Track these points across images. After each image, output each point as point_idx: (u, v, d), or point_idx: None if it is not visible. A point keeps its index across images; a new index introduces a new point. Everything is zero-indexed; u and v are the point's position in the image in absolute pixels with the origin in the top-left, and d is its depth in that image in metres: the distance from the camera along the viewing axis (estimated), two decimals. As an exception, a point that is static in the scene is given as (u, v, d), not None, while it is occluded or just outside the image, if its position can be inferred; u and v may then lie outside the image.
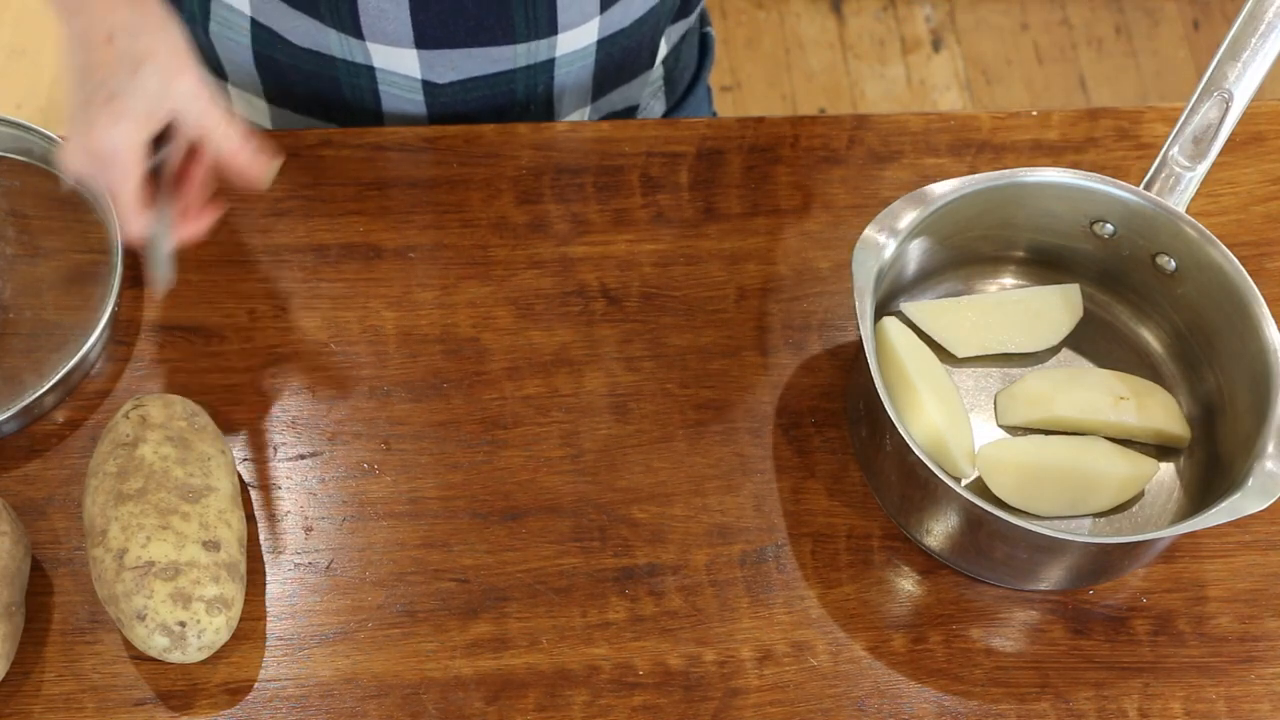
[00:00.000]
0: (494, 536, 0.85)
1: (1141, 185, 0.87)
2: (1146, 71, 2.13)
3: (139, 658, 0.81)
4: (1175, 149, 0.87)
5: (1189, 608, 0.85)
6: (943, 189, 0.86)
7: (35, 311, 0.90)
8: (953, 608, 0.85)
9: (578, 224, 0.95)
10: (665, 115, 1.15)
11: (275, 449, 0.88)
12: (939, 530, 0.84)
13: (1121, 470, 0.85)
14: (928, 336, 0.91)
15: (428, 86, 0.99)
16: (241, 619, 0.81)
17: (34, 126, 0.93)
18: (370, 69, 0.98)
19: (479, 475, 0.87)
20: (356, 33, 0.95)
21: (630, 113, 1.11)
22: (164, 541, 0.78)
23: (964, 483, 0.86)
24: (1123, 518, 0.87)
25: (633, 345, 0.92)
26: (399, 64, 0.97)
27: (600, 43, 0.99)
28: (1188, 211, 0.86)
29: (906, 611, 0.85)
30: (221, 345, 0.90)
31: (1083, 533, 0.86)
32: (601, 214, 0.96)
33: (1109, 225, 0.89)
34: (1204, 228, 0.86)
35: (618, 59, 1.02)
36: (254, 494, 0.86)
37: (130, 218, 0.79)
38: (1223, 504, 0.78)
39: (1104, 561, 0.83)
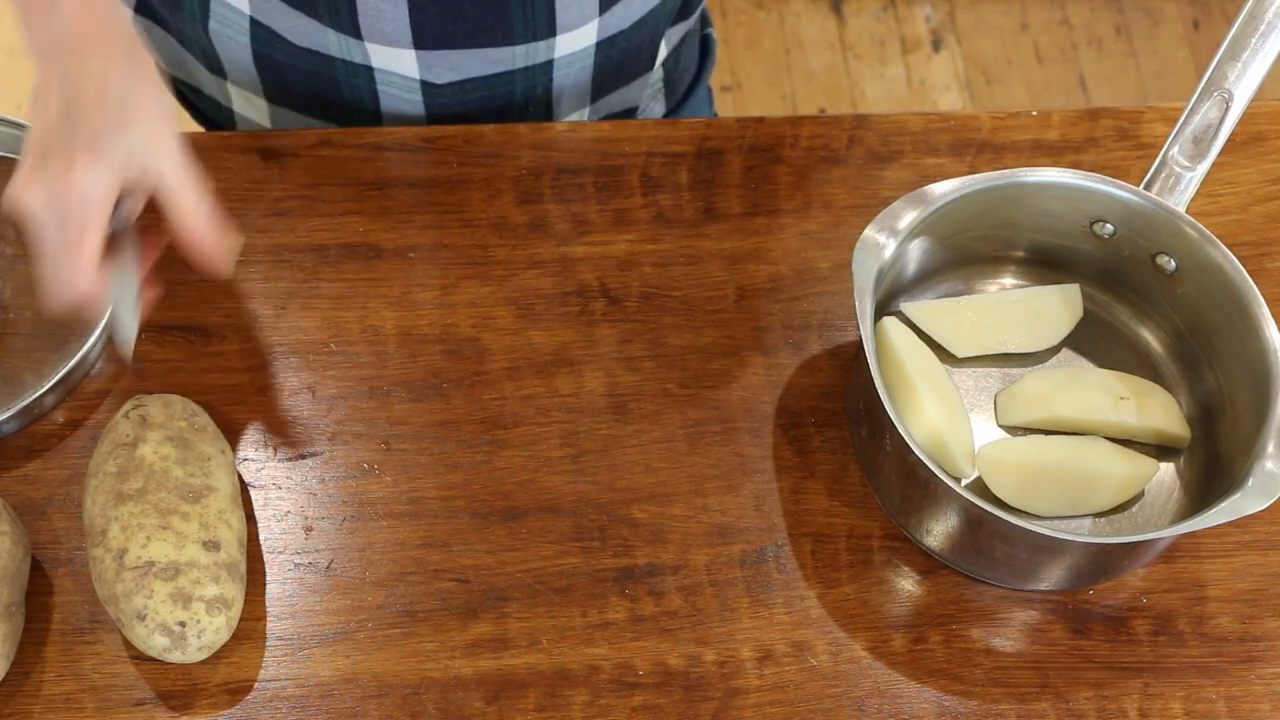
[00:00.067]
0: (494, 536, 0.85)
1: (1141, 185, 0.87)
2: (1146, 71, 2.13)
3: (139, 658, 0.81)
4: (1175, 149, 0.87)
5: (1189, 608, 0.85)
6: (943, 189, 0.86)
7: (35, 311, 0.90)
8: (953, 608, 0.85)
9: (578, 224, 0.95)
10: (665, 117, 1.15)
11: (275, 449, 0.88)
12: (939, 530, 0.84)
13: (1121, 470, 0.85)
14: (928, 336, 0.91)
15: (426, 87, 0.99)
16: (241, 619, 0.81)
17: (34, 126, 0.93)
18: (369, 69, 0.98)
19: (479, 475, 0.87)
20: (355, 33, 0.95)
21: (630, 114, 1.11)
22: (164, 541, 0.78)
23: (964, 483, 0.86)
24: (1123, 518, 0.87)
25: (633, 345, 0.92)
26: (397, 64, 0.97)
27: (599, 44, 0.99)
28: (1188, 211, 0.86)
29: (906, 611, 0.85)
30: (221, 345, 0.90)
31: (1083, 533, 0.86)
32: (601, 214, 0.96)
33: (1109, 225, 0.89)
34: (1204, 228, 0.86)
35: (617, 61, 1.02)
36: (254, 494, 0.86)
37: (85, 271, 0.75)
38: (1223, 504, 0.78)
39: (1104, 561, 0.83)
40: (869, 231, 0.85)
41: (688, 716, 0.81)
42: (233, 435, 0.87)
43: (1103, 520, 0.87)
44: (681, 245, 0.95)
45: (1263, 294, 0.83)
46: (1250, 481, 0.78)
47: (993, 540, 0.81)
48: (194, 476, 0.81)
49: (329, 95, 1.01)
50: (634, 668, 0.82)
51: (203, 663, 0.81)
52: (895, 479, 0.85)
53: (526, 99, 1.01)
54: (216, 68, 1.03)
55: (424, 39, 0.95)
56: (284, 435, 0.88)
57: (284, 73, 1.00)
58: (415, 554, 0.85)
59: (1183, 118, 0.86)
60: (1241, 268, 0.84)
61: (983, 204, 0.88)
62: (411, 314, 0.92)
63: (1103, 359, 0.92)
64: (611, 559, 0.85)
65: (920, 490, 0.82)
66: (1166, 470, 0.88)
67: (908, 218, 0.85)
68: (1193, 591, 0.86)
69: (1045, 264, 0.93)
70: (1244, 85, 0.85)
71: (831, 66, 2.11)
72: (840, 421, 0.90)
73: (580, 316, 0.92)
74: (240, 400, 0.89)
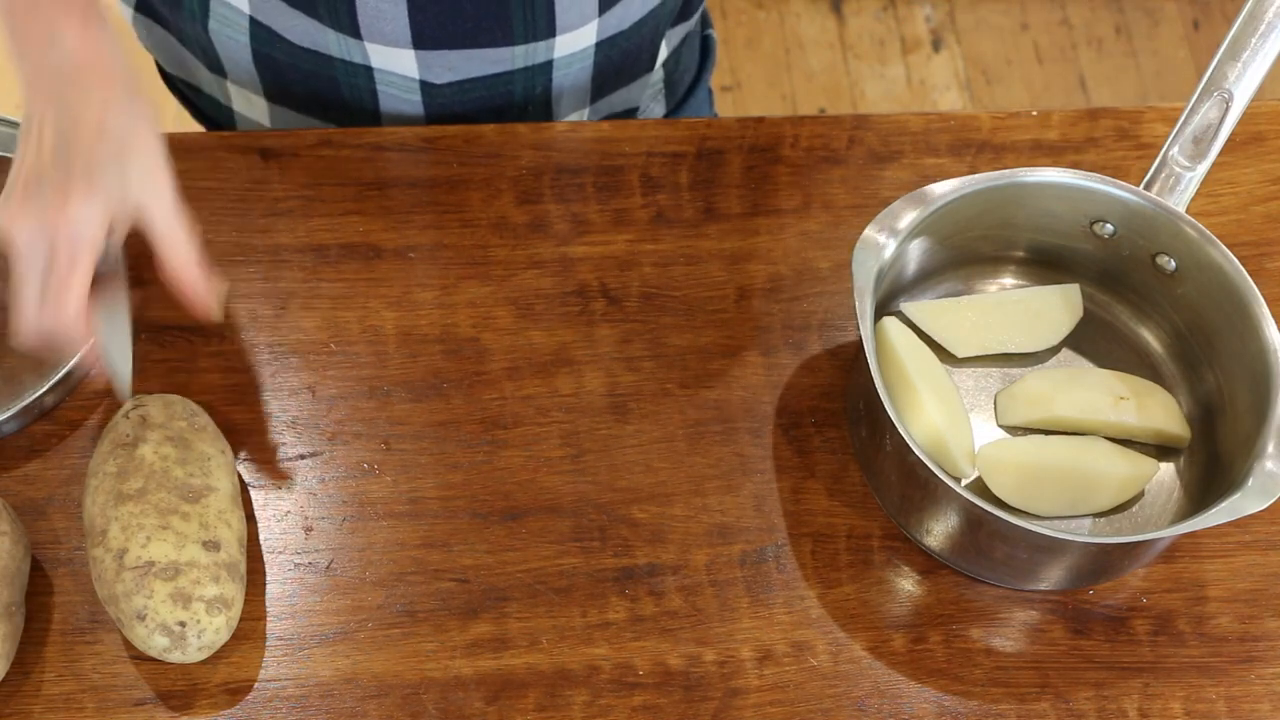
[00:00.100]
0: (494, 536, 0.85)
1: (1141, 185, 0.87)
2: (1146, 71, 2.13)
3: (139, 658, 0.81)
4: (1175, 149, 0.87)
5: (1189, 608, 0.85)
6: (943, 189, 0.86)
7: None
8: (953, 608, 0.85)
9: (578, 224, 0.95)
10: (665, 118, 1.15)
11: (275, 449, 0.87)
12: (939, 530, 0.84)
13: (1121, 470, 0.85)
14: (928, 336, 0.91)
15: (425, 87, 0.99)
16: (241, 619, 0.81)
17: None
18: (368, 69, 0.98)
19: (479, 475, 0.87)
20: (354, 33, 0.95)
21: (630, 115, 1.11)
22: (164, 541, 0.78)
23: (964, 483, 0.86)
24: (1123, 518, 0.87)
25: (633, 345, 0.92)
26: (396, 64, 0.97)
27: (599, 45, 0.99)
28: (1188, 211, 0.86)
29: (906, 611, 0.85)
30: (221, 345, 0.90)
31: (1083, 533, 0.86)
32: (601, 214, 0.96)
33: (1109, 225, 0.89)
34: (1204, 228, 0.86)
35: (617, 61, 1.02)
36: (254, 494, 0.86)
37: (72, 306, 0.74)
38: (1223, 504, 0.78)
39: (1104, 561, 0.83)
40: (869, 231, 0.85)
41: (688, 716, 0.81)
42: (233, 435, 0.87)
43: (1103, 520, 0.87)
44: (681, 245, 0.95)
45: (1263, 294, 0.83)
46: (1250, 481, 0.78)
47: (993, 540, 0.81)
48: (194, 476, 0.81)
49: (328, 95, 1.01)
50: (634, 668, 0.82)
51: (203, 663, 0.81)
52: (895, 479, 0.85)
53: (526, 99, 1.01)
54: (216, 67, 1.03)
55: (423, 39, 0.95)
56: (284, 435, 0.88)
57: (283, 72, 1.00)
58: (415, 554, 0.85)
59: (1183, 118, 0.86)
60: (1241, 268, 0.84)
61: (983, 204, 0.88)
62: (411, 314, 0.92)
63: (1103, 359, 0.92)
64: (611, 559, 0.85)
65: (920, 490, 0.82)
66: (1166, 470, 0.88)
67: (908, 218, 0.85)
68: (1193, 591, 0.86)
69: (1045, 264, 0.93)
70: (1244, 85, 0.85)
71: (831, 66, 2.11)
72: (840, 421, 0.90)
73: (580, 316, 0.92)
74: (240, 400, 0.89)
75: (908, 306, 0.91)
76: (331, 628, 0.83)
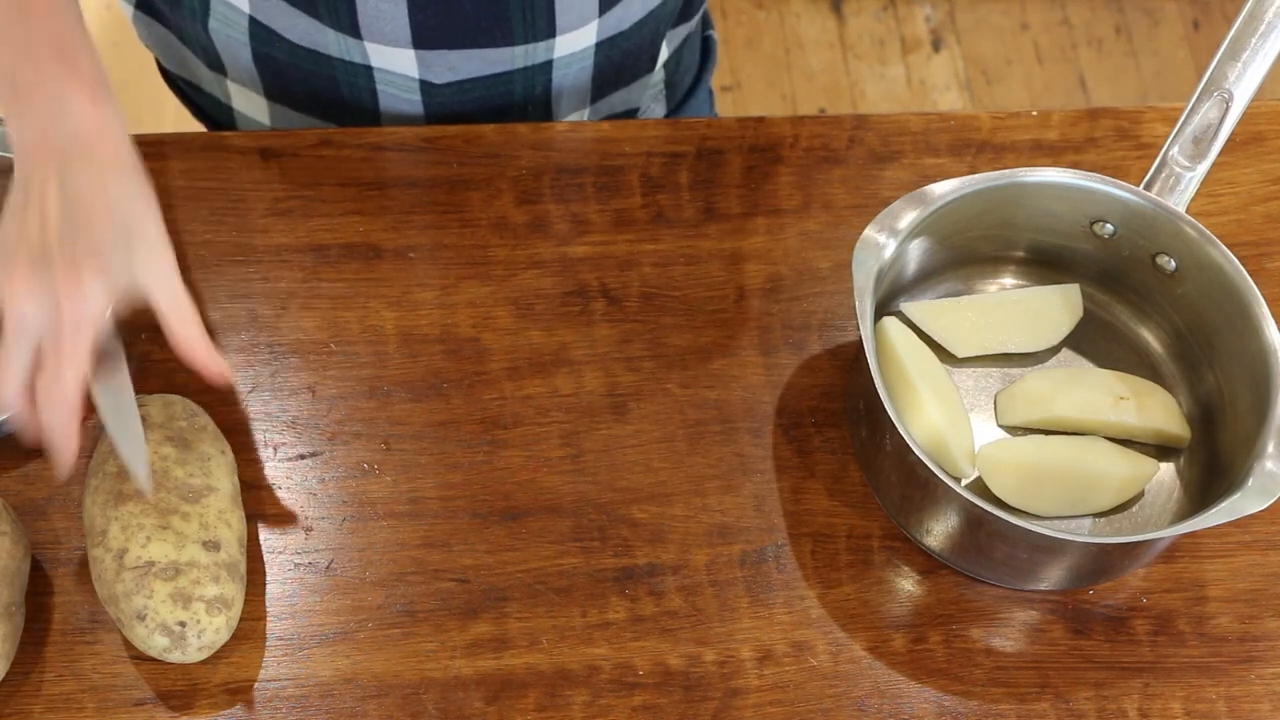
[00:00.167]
0: (494, 536, 0.85)
1: (1141, 185, 0.87)
2: (1146, 71, 2.13)
3: (139, 658, 0.81)
4: (1175, 149, 0.87)
5: (1189, 608, 0.85)
6: (943, 189, 0.86)
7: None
8: (953, 608, 0.85)
9: (578, 224, 0.95)
10: (665, 118, 1.15)
11: (275, 449, 0.88)
12: (939, 530, 0.84)
13: (1121, 470, 0.85)
14: (928, 336, 0.91)
15: (425, 86, 0.99)
16: (241, 619, 0.81)
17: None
18: (368, 68, 0.98)
19: (479, 475, 0.87)
20: (354, 32, 0.95)
21: (630, 115, 1.11)
22: (164, 541, 0.78)
23: (964, 483, 0.86)
24: (1123, 518, 0.87)
25: (633, 345, 0.92)
26: (396, 64, 0.97)
27: (599, 45, 0.99)
28: (1188, 211, 0.86)
29: (906, 611, 0.85)
30: (221, 345, 0.90)
31: (1083, 533, 0.86)
32: (601, 214, 0.96)
33: (1109, 225, 0.89)
34: (1204, 228, 0.86)
35: (617, 61, 1.02)
36: (254, 494, 0.86)
37: (71, 381, 0.73)
38: (1223, 504, 0.78)
39: (1104, 561, 0.83)
40: (869, 231, 0.85)
41: (688, 716, 0.81)
42: (233, 435, 0.87)
43: (1103, 520, 0.87)
44: (681, 245, 0.95)
45: (1263, 294, 0.83)
46: (1250, 481, 0.78)
47: (993, 540, 0.81)
48: (194, 476, 0.81)
49: (328, 94, 1.01)
50: (634, 668, 0.82)
51: (203, 663, 0.81)
52: (895, 479, 0.85)
53: (526, 99, 1.01)
54: (216, 65, 1.03)
55: (423, 39, 0.95)
56: (284, 435, 0.88)
57: (283, 71, 1.00)
58: (415, 554, 0.85)
59: (1183, 118, 0.86)
60: (1241, 268, 0.84)
61: (983, 204, 0.88)
62: (411, 314, 0.92)
63: (1103, 359, 0.92)
64: (611, 559, 0.85)
65: (920, 490, 0.82)
66: (1166, 470, 0.88)
67: (908, 218, 0.85)
68: (1193, 591, 0.86)
69: (1045, 264, 0.93)
70: (1244, 85, 0.85)
71: (831, 66, 2.11)
72: (840, 421, 0.90)
73: (580, 316, 0.92)
74: (240, 400, 0.89)
75: (908, 306, 0.91)
76: (331, 628, 0.83)
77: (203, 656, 0.79)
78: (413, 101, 1.00)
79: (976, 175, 0.87)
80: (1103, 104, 2.10)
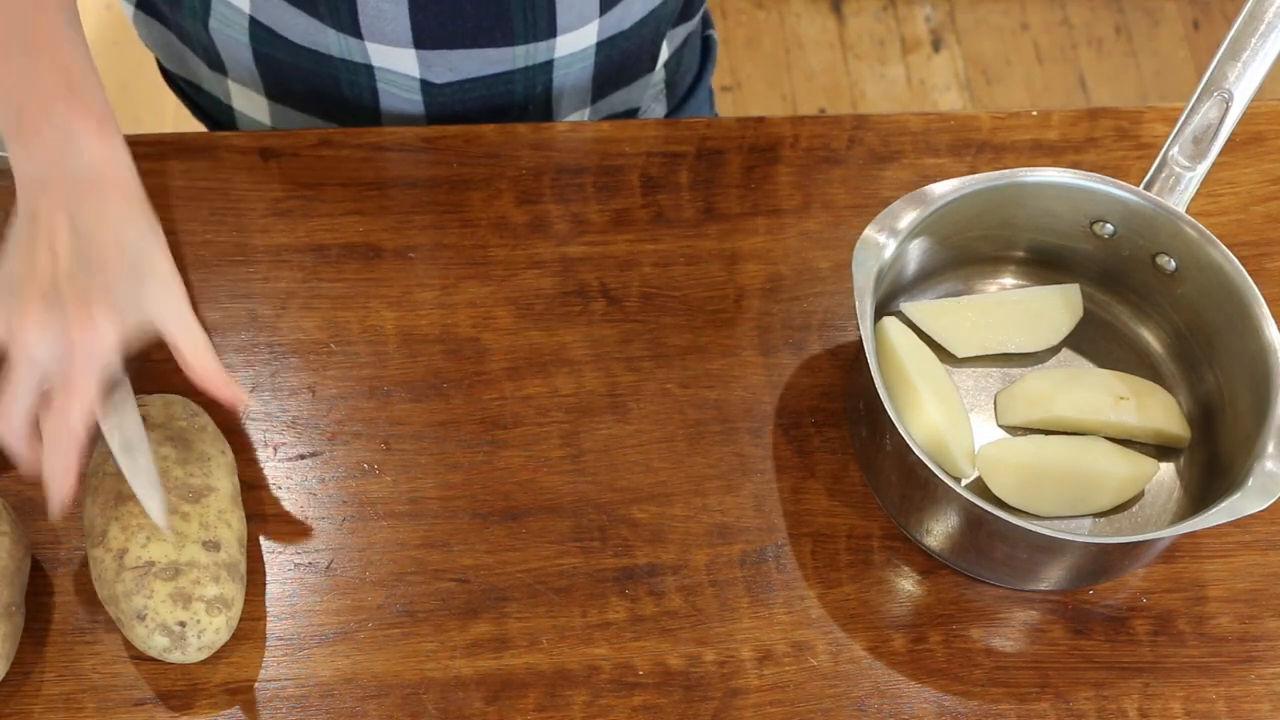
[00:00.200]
0: (494, 536, 0.85)
1: (1141, 185, 0.87)
2: (1146, 71, 2.13)
3: (139, 658, 0.81)
4: (1175, 149, 0.87)
5: (1189, 608, 0.85)
6: (943, 189, 0.86)
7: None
8: (953, 608, 0.85)
9: (578, 224, 0.95)
10: (666, 118, 1.15)
11: (275, 449, 0.88)
12: (939, 530, 0.84)
13: (1121, 470, 0.85)
14: (928, 336, 0.91)
15: (426, 86, 0.99)
16: (241, 619, 0.81)
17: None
18: (369, 67, 0.98)
19: (479, 475, 0.87)
20: (355, 32, 0.95)
21: (631, 115, 1.11)
22: (164, 541, 0.78)
23: (964, 483, 0.86)
24: (1123, 518, 0.87)
25: (633, 345, 0.92)
26: (397, 63, 0.97)
27: (600, 45, 0.99)
28: (1188, 211, 0.86)
29: (906, 611, 0.85)
30: (221, 345, 0.90)
31: (1083, 533, 0.86)
32: (601, 214, 0.96)
33: (1109, 225, 0.89)
34: (1204, 228, 0.86)
35: (617, 61, 1.02)
36: (254, 494, 0.86)
37: (78, 417, 0.73)
38: (1223, 504, 0.78)
39: (1104, 561, 0.83)
40: (869, 231, 0.85)
41: (688, 716, 0.81)
42: (233, 435, 0.87)
43: (1103, 520, 0.87)
44: (681, 245, 0.95)
45: (1263, 294, 0.83)
46: (1250, 481, 0.78)
47: (993, 540, 0.81)
48: (194, 476, 0.81)
49: (329, 93, 1.01)
50: (634, 668, 0.82)
51: (203, 663, 0.81)
52: (895, 479, 0.85)
53: (526, 99, 1.01)
54: (217, 65, 1.03)
55: (424, 39, 0.95)
56: (284, 435, 0.88)
57: (284, 71, 1.00)
58: (415, 554, 0.85)
59: (1183, 118, 0.86)
60: (1241, 268, 0.84)
61: (983, 204, 0.88)
62: (411, 314, 0.92)
63: (1103, 359, 0.92)
64: (611, 559, 0.85)
65: (920, 490, 0.83)
66: (1166, 470, 0.88)
67: (908, 218, 0.85)
68: (1193, 591, 0.86)
69: (1045, 264, 0.93)
70: (1244, 85, 0.85)
71: (831, 66, 2.11)
72: (840, 421, 0.90)
73: (580, 316, 0.92)
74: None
75: (908, 306, 0.91)
76: (331, 628, 0.83)
77: (203, 656, 0.79)
78: (413, 101, 1.00)
79: (976, 175, 0.87)
80: (1103, 104, 2.10)
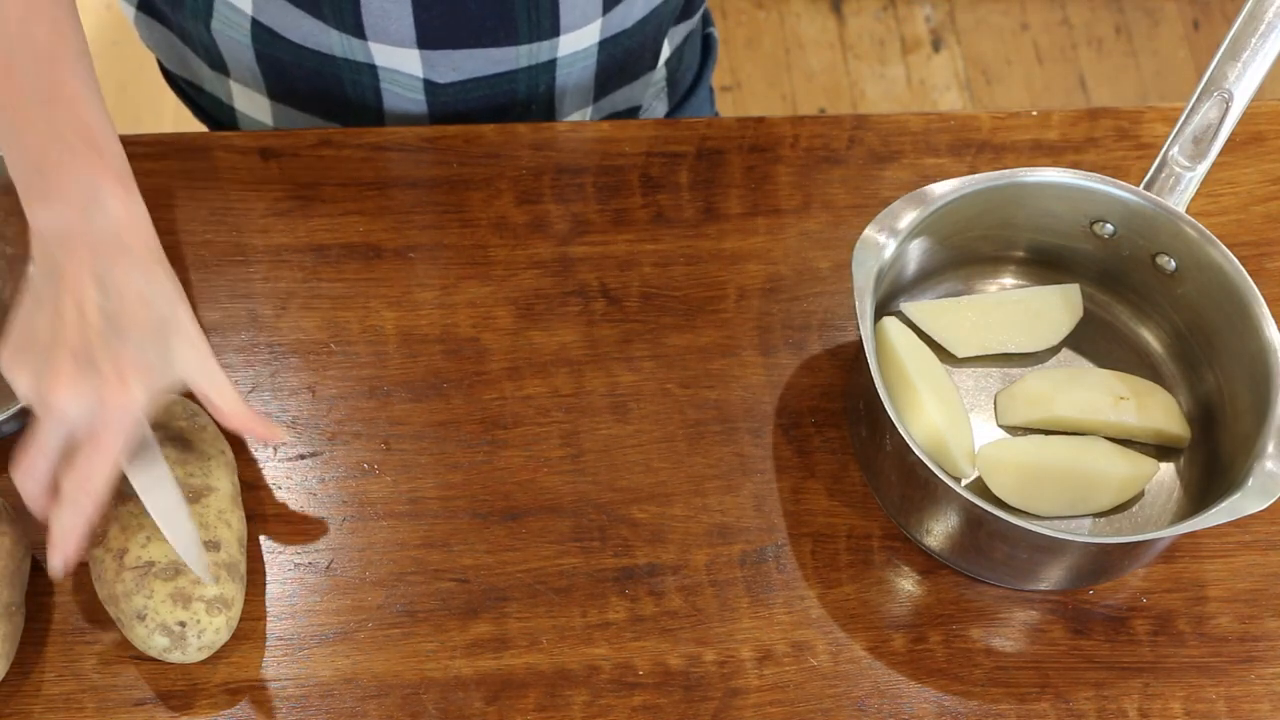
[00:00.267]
0: (494, 536, 0.85)
1: (1141, 185, 0.87)
2: (1146, 71, 2.13)
3: (139, 658, 0.81)
4: (1175, 149, 0.87)
5: (1189, 608, 0.85)
6: (943, 189, 0.86)
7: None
8: (953, 608, 0.85)
9: (578, 224, 0.95)
10: (667, 116, 1.15)
11: (275, 449, 0.88)
12: (939, 530, 0.84)
13: (1121, 470, 0.85)
14: (928, 336, 0.91)
15: (429, 86, 0.99)
16: (241, 619, 0.81)
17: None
18: (372, 68, 0.98)
19: (479, 475, 0.87)
20: (359, 33, 0.95)
21: (632, 113, 1.11)
22: (164, 541, 0.78)
23: (964, 483, 0.86)
24: (1123, 518, 0.87)
25: (633, 345, 0.92)
26: (401, 64, 0.97)
27: (602, 43, 0.99)
28: (1188, 211, 0.86)
29: (906, 611, 0.85)
30: (221, 345, 0.90)
31: (1083, 533, 0.86)
32: (601, 214, 0.96)
33: (1109, 225, 0.89)
34: (1204, 228, 0.86)
35: (620, 59, 1.02)
36: (254, 494, 0.86)
37: (107, 476, 0.74)
38: (1223, 504, 0.78)
39: (1104, 561, 0.83)
40: (869, 231, 0.85)
41: (688, 716, 0.81)
42: (232, 435, 0.87)
43: (1103, 520, 0.87)
44: (681, 245, 0.95)
45: (1263, 294, 0.83)
46: (1250, 481, 0.78)
47: (993, 540, 0.81)
48: (194, 476, 0.81)
49: (332, 94, 1.01)
50: (634, 668, 0.82)
51: (203, 663, 0.81)
52: (895, 479, 0.85)
53: (529, 98, 1.02)
54: (219, 65, 1.03)
55: (428, 39, 0.95)
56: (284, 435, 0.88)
57: (287, 71, 1.00)
58: (415, 554, 0.85)
59: (1183, 118, 0.86)
60: (1241, 268, 0.84)
61: (983, 204, 0.88)
62: (411, 314, 0.92)
63: (1103, 359, 0.92)
64: (611, 559, 0.85)
65: (920, 490, 0.82)
66: (1166, 470, 0.88)
67: (908, 218, 0.85)
68: (1193, 591, 0.86)
69: (1045, 264, 0.93)
70: (1244, 85, 0.85)
71: (831, 66, 2.11)
72: (840, 421, 0.90)
73: (580, 316, 0.92)
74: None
75: (908, 306, 0.91)
76: (331, 628, 0.83)
77: (203, 656, 0.79)
78: (416, 101, 1.00)
79: (976, 175, 0.87)
80: (1103, 104, 2.10)
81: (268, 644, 0.82)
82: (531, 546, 0.85)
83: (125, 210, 0.76)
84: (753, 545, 0.86)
